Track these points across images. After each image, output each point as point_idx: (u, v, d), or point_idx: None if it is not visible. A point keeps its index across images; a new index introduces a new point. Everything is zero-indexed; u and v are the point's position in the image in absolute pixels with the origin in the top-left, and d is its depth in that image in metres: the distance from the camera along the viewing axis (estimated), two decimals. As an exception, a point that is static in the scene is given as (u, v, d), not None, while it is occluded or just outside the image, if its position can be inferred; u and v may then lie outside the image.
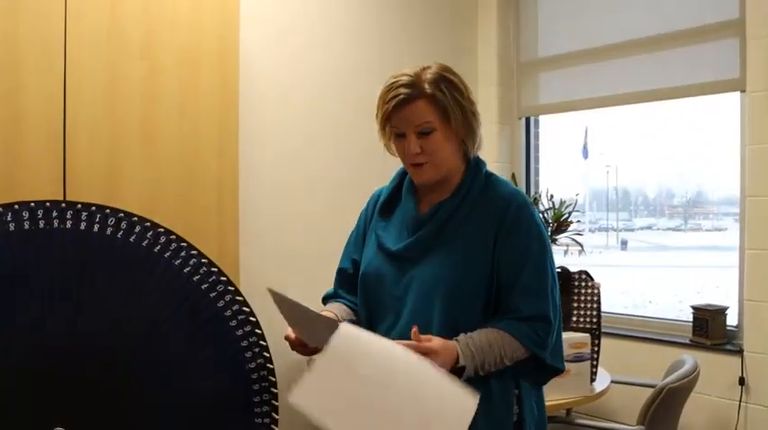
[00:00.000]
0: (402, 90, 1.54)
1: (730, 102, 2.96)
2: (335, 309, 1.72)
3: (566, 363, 2.35)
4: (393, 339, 1.48)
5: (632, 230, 5.46)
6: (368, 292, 1.67)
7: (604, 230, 5.25)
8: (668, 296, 4.34)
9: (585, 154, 4.04)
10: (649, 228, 5.45)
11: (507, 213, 1.57)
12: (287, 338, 1.59)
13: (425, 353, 1.41)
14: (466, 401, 1.34)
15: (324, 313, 1.64)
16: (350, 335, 1.39)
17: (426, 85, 1.55)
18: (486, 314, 1.57)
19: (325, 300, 1.81)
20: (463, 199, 1.61)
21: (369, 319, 1.66)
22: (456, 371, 1.47)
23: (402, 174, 1.75)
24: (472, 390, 1.36)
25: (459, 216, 1.60)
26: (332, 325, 1.42)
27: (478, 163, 1.67)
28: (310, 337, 1.55)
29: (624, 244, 5.51)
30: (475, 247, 1.57)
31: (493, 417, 1.53)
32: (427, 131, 1.56)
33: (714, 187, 4.36)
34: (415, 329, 1.45)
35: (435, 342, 1.45)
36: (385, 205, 1.74)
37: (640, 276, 5.34)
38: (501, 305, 1.57)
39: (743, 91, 2.85)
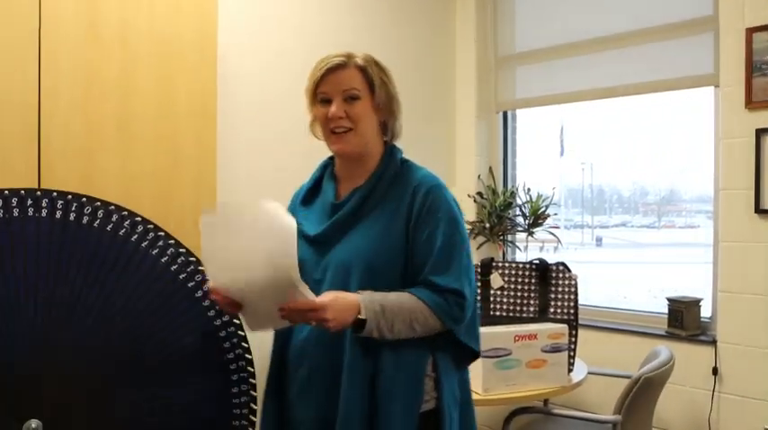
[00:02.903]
0: (335, 59, 1.66)
1: (703, 100, 3.00)
2: None
3: (544, 354, 2.41)
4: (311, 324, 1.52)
5: (607, 227, 5.50)
6: None
7: (579, 228, 5.28)
8: (642, 292, 4.38)
9: (561, 152, 4.07)
10: (624, 225, 5.50)
11: (419, 195, 1.62)
12: (211, 291, 1.54)
13: (315, 311, 1.44)
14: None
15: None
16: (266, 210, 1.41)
17: (358, 59, 1.68)
18: None
19: None
20: (378, 182, 1.67)
21: None
22: (358, 323, 1.50)
23: (323, 167, 1.82)
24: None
25: (374, 199, 1.66)
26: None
27: (394, 149, 1.74)
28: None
29: (599, 241, 5.56)
30: (388, 228, 1.61)
31: (402, 394, 1.54)
32: (354, 97, 1.64)
33: (687, 186, 4.41)
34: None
35: (323, 298, 1.46)
36: (307, 195, 1.79)
37: (615, 272, 5.39)
38: (416, 283, 1.60)
39: (717, 86, 2.89)
